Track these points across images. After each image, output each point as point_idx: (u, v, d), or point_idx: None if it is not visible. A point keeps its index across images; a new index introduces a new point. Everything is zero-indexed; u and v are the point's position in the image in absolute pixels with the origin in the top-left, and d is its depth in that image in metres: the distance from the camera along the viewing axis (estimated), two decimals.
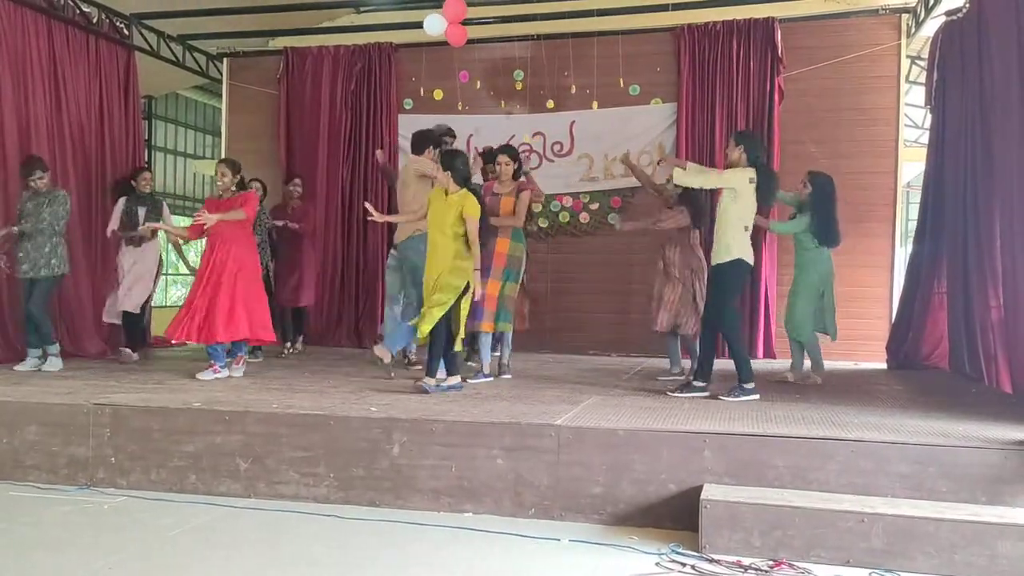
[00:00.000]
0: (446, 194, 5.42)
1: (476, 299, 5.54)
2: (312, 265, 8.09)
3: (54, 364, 6.44)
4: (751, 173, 5.27)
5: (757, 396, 5.24)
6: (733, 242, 5.23)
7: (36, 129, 7.37)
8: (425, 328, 5.35)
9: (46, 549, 3.66)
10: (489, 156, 6.68)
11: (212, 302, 5.81)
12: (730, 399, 5.17)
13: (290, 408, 4.70)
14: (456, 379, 5.51)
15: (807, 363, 6.39)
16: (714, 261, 5.33)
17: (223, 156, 9.93)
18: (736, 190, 5.25)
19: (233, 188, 6.09)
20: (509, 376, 6.21)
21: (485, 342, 6.23)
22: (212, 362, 5.96)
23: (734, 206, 5.25)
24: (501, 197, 6.12)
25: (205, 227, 5.90)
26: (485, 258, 5.97)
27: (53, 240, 6.45)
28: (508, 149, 6.36)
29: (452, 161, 5.45)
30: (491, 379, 6.06)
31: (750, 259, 5.29)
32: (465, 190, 5.39)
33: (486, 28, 8.80)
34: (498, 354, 6.36)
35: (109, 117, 8.27)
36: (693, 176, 5.43)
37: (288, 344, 8.00)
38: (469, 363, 6.65)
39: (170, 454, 4.64)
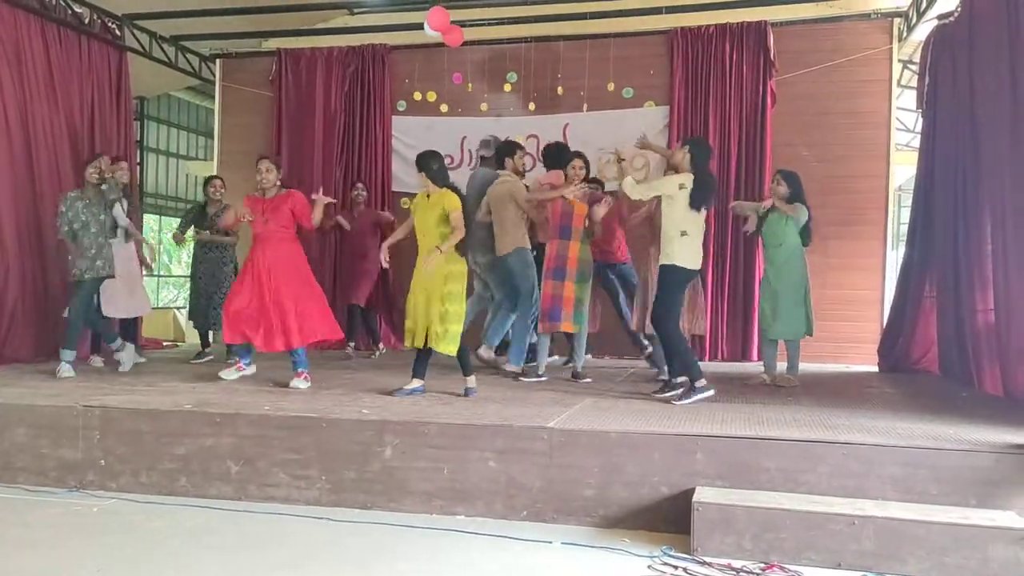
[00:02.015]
0: (428, 197, 5.41)
1: (549, 302, 5.97)
2: (371, 265, 8.03)
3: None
4: (682, 179, 5.32)
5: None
6: (671, 247, 5.31)
7: (34, 130, 7.36)
8: (454, 349, 5.27)
9: (35, 552, 3.64)
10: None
11: (282, 306, 5.60)
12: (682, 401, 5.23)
13: (281, 410, 4.69)
14: (419, 383, 5.46)
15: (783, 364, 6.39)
16: (660, 262, 5.42)
17: (217, 157, 9.94)
18: (672, 197, 5.32)
19: (278, 184, 5.85)
20: (589, 380, 6.25)
21: (544, 343, 6.36)
22: (238, 360, 5.90)
23: (670, 212, 5.33)
24: (572, 201, 6.16)
25: (241, 222, 5.76)
26: (557, 260, 6.10)
27: (99, 240, 6.37)
28: (580, 154, 6.44)
29: (428, 162, 5.38)
30: (546, 379, 6.16)
31: (689, 264, 5.33)
32: (445, 189, 5.36)
33: (480, 30, 8.80)
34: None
35: (101, 118, 8.24)
36: (637, 188, 5.51)
37: (377, 344, 8.36)
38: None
39: (160, 456, 4.62)
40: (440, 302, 5.23)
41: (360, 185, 8.27)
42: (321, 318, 5.80)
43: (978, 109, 6.10)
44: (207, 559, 3.60)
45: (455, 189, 5.44)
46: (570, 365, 6.71)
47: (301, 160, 9.31)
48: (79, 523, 4.09)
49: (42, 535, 3.88)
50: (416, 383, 5.44)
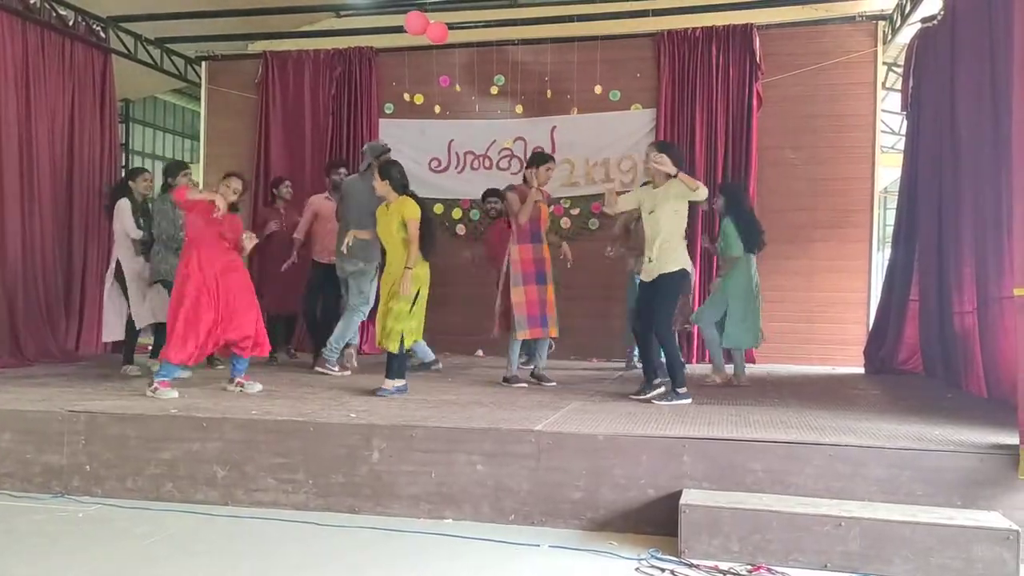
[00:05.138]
0: (387, 206, 5.55)
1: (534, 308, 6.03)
2: (296, 268, 8.03)
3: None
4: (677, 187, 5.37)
5: (690, 400, 5.36)
6: (677, 253, 5.34)
7: (11, 133, 7.30)
8: (395, 346, 5.43)
9: (19, 558, 3.61)
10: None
11: (238, 316, 5.56)
12: (662, 402, 5.30)
13: (268, 414, 4.67)
14: (401, 382, 5.57)
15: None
16: (661, 270, 5.34)
17: (203, 160, 9.89)
18: (678, 208, 5.36)
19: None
20: (554, 383, 6.25)
21: (543, 346, 6.40)
22: (243, 376, 5.71)
23: (676, 219, 5.35)
24: (539, 204, 6.21)
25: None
26: (536, 264, 6.12)
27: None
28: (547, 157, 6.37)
29: (389, 171, 5.57)
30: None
31: (690, 267, 5.53)
32: (404, 196, 5.52)
33: (467, 33, 8.80)
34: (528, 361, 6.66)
35: (85, 121, 8.20)
36: (624, 199, 5.58)
37: (291, 348, 8.28)
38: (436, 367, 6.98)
39: (146, 462, 4.58)
40: (388, 298, 5.44)
41: (287, 182, 7.98)
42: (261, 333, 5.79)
43: (960, 111, 6.14)
44: (193, 565, 3.58)
45: (414, 196, 5.58)
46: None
47: (289, 163, 9.29)
48: (64, 529, 4.06)
49: (27, 541, 3.85)
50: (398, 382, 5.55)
